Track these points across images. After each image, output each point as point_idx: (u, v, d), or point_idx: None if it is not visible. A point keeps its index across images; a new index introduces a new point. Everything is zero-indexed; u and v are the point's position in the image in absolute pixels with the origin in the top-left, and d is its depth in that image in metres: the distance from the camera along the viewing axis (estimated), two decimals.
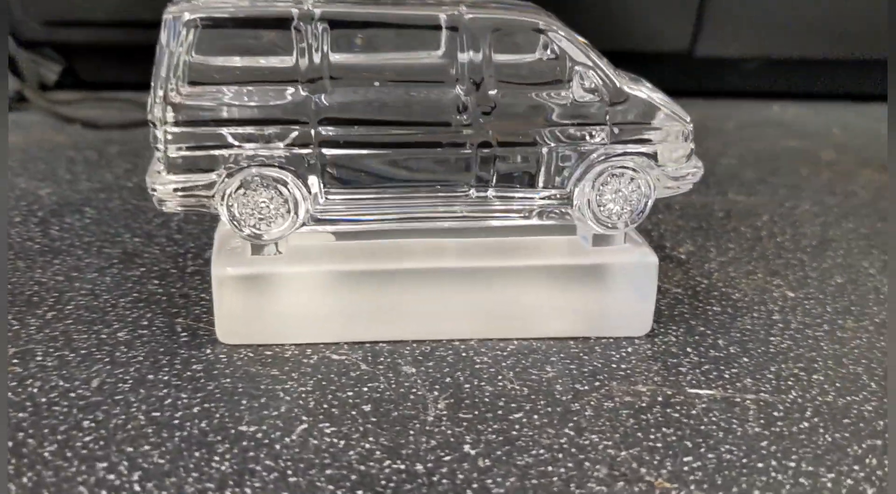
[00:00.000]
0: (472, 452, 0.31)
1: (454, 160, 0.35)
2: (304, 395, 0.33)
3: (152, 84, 0.34)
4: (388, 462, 0.30)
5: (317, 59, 0.34)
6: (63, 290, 0.41)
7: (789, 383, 0.36)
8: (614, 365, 0.36)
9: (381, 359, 0.36)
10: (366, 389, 0.34)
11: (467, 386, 0.34)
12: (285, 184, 0.34)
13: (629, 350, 0.38)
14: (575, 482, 0.29)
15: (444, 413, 0.33)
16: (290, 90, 0.34)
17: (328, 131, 0.34)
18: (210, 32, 0.33)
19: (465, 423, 0.32)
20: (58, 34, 0.72)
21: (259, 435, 0.31)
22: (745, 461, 0.31)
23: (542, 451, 0.31)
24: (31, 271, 0.43)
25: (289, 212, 0.35)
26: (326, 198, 0.35)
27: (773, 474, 0.30)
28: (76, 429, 0.31)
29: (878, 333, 0.40)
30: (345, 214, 0.36)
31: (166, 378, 0.34)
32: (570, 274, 0.37)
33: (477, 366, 0.36)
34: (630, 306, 0.38)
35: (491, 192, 0.36)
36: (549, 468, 0.30)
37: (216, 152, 0.34)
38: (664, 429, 0.32)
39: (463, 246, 0.38)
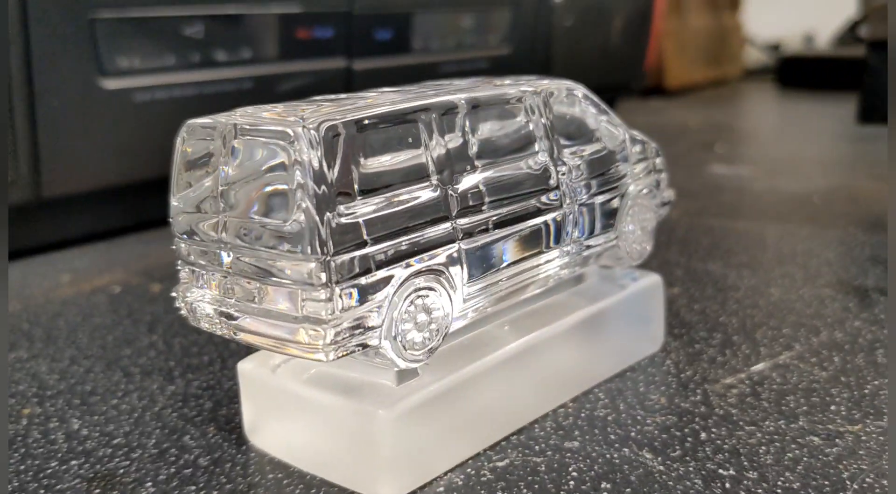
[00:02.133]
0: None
1: (552, 223, 0.36)
2: None
3: (294, 207, 0.28)
4: None
5: (442, 150, 0.32)
6: None
7: (783, 341, 0.44)
8: (684, 376, 0.41)
9: (539, 447, 0.35)
10: (593, 474, 0.33)
11: (633, 433, 0.35)
12: (444, 287, 0.31)
13: (668, 362, 0.42)
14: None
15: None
16: (428, 186, 0.32)
17: (464, 222, 0.32)
18: (346, 140, 0.29)
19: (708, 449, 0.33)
20: None
21: None
22: (864, 392, 0.38)
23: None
24: None
25: (445, 317, 0.32)
26: (467, 292, 0.33)
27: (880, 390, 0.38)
28: None
29: (761, 284, 0.51)
30: (475, 306, 0.34)
31: None
32: (608, 315, 0.40)
33: (623, 417, 0.37)
34: (650, 326, 0.43)
35: (571, 248, 0.37)
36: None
37: (384, 272, 0.30)
38: (790, 397, 0.38)
39: (509, 324, 0.38)
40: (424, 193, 0.31)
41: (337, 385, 0.32)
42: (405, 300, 0.30)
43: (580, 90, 0.39)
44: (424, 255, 0.31)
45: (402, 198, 0.31)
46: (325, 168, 0.28)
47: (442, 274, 0.31)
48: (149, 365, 0.45)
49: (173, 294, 0.34)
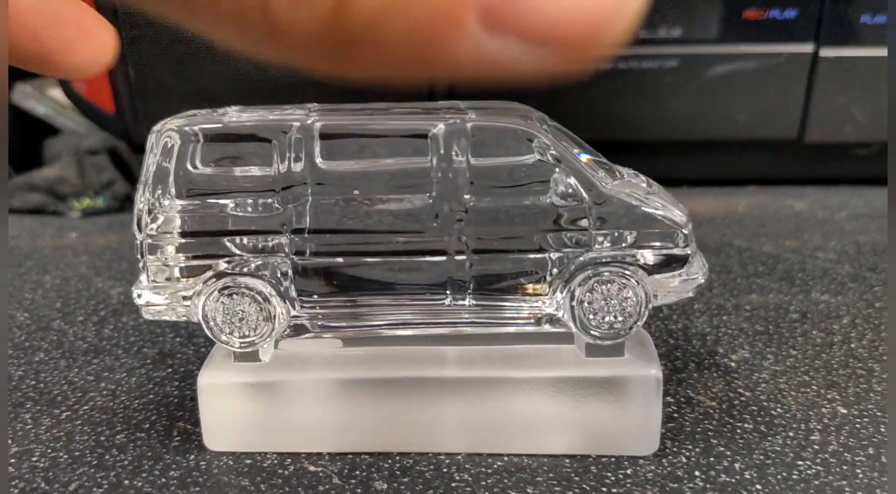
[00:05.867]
0: None
1: (429, 267, 0.34)
2: None
3: (137, 195, 0.35)
4: None
5: (294, 167, 0.34)
6: (87, 390, 0.43)
7: None
8: (605, 489, 0.33)
9: (357, 473, 0.35)
10: None
11: None
12: (261, 292, 0.34)
13: (628, 471, 0.34)
14: None
15: None
16: (267, 200, 0.34)
17: (301, 240, 0.34)
18: (189, 146, 0.34)
19: None
20: None
21: None
22: None
23: None
24: (69, 370, 0.45)
25: (266, 320, 0.35)
26: (302, 308, 0.35)
27: None
28: None
29: None
30: (325, 323, 0.35)
31: (140, 484, 0.34)
32: (564, 386, 0.35)
33: (454, 484, 0.34)
34: (631, 423, 0.35)
35: (469, 301, 0.34)
36: None
37: (194, 263, 0.35)
38: None
39: (464, 354, 0.37)
40: (259, 205, 0.34)
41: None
42: (219, 291, 0.34)
43: (531, 130, 0.33)
44: (239, 259, 0.34)
45: (236, 206, 0.34)
46: (154, 167, 0.34)
47: (266, 280, 0.34)
48: None
49: None
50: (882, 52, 0.72)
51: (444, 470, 0.35)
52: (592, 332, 0.34)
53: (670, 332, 0.48)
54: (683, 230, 0.34)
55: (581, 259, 0.34)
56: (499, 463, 0.35)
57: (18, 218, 0.76)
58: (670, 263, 0.34)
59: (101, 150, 0.75)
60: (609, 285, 0.34)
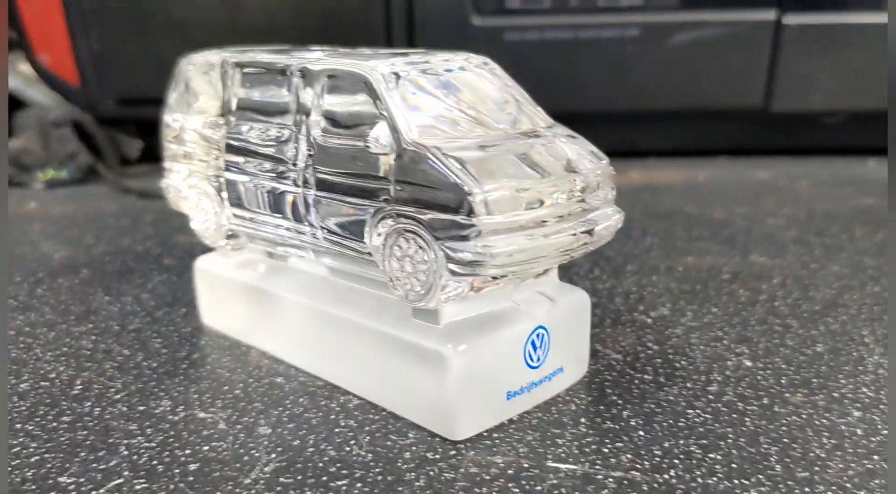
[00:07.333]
0: None
1: (288, 197, 0.36)
2: (142, 451, 0.33)
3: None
4: None
5: (225, 96, 0.39)
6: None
7: (674, 461, 0.31)
8: (486, 433, 0.33)
9: (245, 419, 0.35)
10: (206, 448, 0.33)
11: (311, 449, 0.33)
12: (207, 193, 0.40)
13: (514, 418, 0.34)
14: None
15: (266, 476, 0.31)
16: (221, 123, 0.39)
17: (226, 156, 0.39)
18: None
19: (279, 488, 0.30)
20: (131, 112, 0.78)
21: (70, 487, 0.31)
22: None
23: None
24: None
25: (213, 216, 0.41)
26: (229, 215, 0.40)
27: None
28: None
29: (827, 409, 0.34)
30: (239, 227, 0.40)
31: (31, 428, 0.35)
32: (385, 341, 0.34)
33: (337, 430, 0.34)
34: (426, 399, 0.33)
35: (319, 234, 0.35)
36: None
37: (174, 165, 0.42)
38: None
39: (342, 292, 0.38)
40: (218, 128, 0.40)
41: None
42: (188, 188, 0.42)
43: (367, 76, 0.33)
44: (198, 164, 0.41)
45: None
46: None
47: (213, 185, 0.40)
48: None
49: None
50: (847, 19, 0.71)
51: (332, 417, 0.35)
52: (395, 291, 0.33)
53: (596, 291, 0.48)
54: (473, 197, 0.29)
55: (384, 211, 0.32)
56: (386, 411, 0.35)
57: None
58: (454, 231, 0.30)
59: (65, 123, 0.76)
60: (408, 243, 0.32)
